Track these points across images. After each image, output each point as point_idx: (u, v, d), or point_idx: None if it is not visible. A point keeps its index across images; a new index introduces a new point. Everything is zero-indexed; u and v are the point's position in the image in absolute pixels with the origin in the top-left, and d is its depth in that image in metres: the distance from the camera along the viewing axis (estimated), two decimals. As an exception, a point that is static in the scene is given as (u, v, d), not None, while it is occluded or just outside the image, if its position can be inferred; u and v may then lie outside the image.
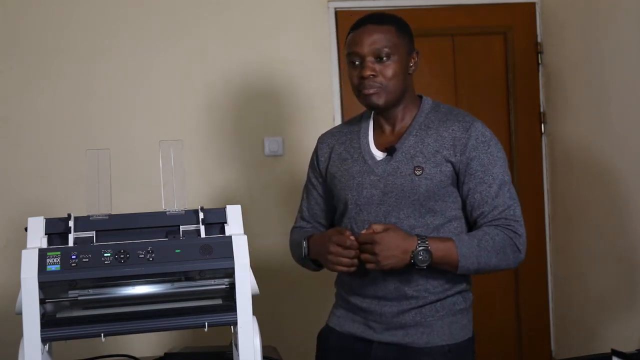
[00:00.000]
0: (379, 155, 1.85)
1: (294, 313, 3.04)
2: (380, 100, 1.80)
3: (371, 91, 1.79)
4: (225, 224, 1.56)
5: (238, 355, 1.47)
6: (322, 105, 3.17)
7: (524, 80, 3.40)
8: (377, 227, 1.69)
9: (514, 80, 3.39)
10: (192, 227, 1.56)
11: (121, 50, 3.10)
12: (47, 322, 1.43)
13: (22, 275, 1.39)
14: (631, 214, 2.75)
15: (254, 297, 1.47)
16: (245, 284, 1.47)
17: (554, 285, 3.41)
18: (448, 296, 1.82)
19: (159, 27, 3.12)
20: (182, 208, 1.58)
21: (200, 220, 1.56)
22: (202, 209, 1.57)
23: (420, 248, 1.66)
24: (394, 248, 1.66)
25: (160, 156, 1.60)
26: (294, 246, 1.99)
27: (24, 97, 3.04)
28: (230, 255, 1.47)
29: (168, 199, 1.59)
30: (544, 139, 3.42)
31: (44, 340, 1.41)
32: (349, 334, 1.89)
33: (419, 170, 1.77)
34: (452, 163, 1.78)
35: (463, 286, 1.85)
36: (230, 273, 1.48)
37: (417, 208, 1.78)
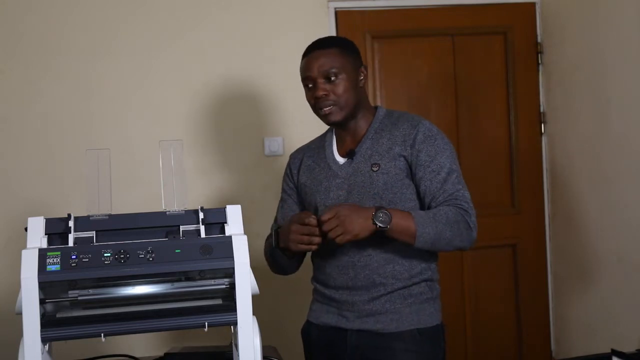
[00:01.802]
0: (341, 160, 2.02)
1: (294, 313, 3.04)
2: (337, 116, 1.98)
3: (327, 110, 1.97)
4: (225, 224, 1.56)
5: (238, 355, 1.47)
6: (322, 105, 3.17)
7: (524, 80, 3.40)
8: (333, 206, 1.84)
9: (514, 80, 3.39)
10: (192, 227, 1.56)
11: (121, 50, 3.10)
12: (47, 322, 1.43)
13: (22, 275, 1.39)
14: (631, 213, 2.76)
15: (254, 297, 1.47)
16: (245, 284, 1.47)
17: (554, 285, 3.41)
18: (414, 283, 1.95)
19: (158, 27, 3.12)
20: (182, 208, 1.58)
21: (200, 220, 1.56)
22: (202, 209, 1.57)
23: (379, 211, 1.80)
24: (354, 215, 1.79)
25: (160, 156, 1.60)
26: (267, 249, 2.08)
27: (24, 97, 3.04)
28: (230, 255, 1.47)
29: (168, 199, 1.59)
30: (544, 139, 3.42)
31: (44, 340, 1.41)
32: (325, 325, 2.02)
33: (376, 167, 1.94)
34: (404, 157, 1.94)
35: (428, 274, 1.98)
36: (230, 273, 1.48)
37: (378, 201, 1.93)
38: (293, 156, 2.18)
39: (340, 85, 1.95)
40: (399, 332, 1.91)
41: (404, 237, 1.83)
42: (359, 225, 1.78)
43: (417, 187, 1.95)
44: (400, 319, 1.92)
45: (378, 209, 1.80)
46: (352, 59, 2.00)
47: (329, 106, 1.96)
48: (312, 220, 1.83)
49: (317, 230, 1.83)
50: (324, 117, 2.00)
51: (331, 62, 1.95)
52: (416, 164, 1.93)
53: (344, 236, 1.78)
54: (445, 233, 1.84)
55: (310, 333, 2.06)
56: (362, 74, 2.01)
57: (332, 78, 1.95)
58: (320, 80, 1.96)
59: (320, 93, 1.95)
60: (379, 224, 1.78)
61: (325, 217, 1.80)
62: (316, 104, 1.98)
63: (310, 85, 1.99)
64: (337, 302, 1.98)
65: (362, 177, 1.95)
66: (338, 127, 2.04)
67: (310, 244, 1.85)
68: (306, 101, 2.01)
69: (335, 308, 1.99)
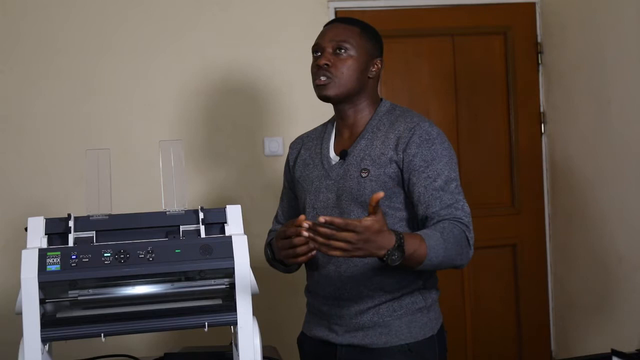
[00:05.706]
0: (334, 159, 1.89)
1: (294, 313, 3.04)
2: (329, 91, 1.83)
3: (322, 81, 1.83)
4: (225, 224, 1.56)
5: (238, 355, 1.47)
6: (322, 105, 3.15)
7: (524, 80, 3.40)
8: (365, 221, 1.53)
9: (514, 80, 3.39)
10: (192, 227, 1.56)
11: (121, 50, 3.09)
12: (47, 322, 1.43)
13: (22, 275, 1.39)
14: (631, 213, 2.76)
15: (254, 297, 1.47)
16: (245, 284, 1.47)
17: (554, 285, 3.41)
18: (404, 294, 1.81)
19: (158, 27, 3.12)
20: (182, 208, 1.58)
21: (200, 220, 1.56)
22: (202, 209, 1.57)
23: (396, 247, 1.55)
24: (372, 241, 1.52)
25: (160, 156, 1.60)
26: (266, 257, 1.99)
27: (24, 97, 3.04)
28: (230, 255, 1.47)
29: (168, 199, 1.59)
30: (544, 139, 3.42)
31: (44, 340, 1.41)
32: (316, 338, 1.92)
33: (365, 173, 1.80)
34: (395, 162, 1.79)
35: (420, 283, 1.83)
36: (230, 273, 1.48)
37: (367, 209, 1.67)
38: (292, 146, 2.06)
39: (345, 62, 1.82)
40: (388, 347, 1.79)
41: (410, 263, 1.62)
42: (368, 252, 1.53)
43: (409, 193, 1.78)
44: (390, 333, 1.79)
45: (397, 239, 1.55)
46: (369, 45, 1.87)
47: (325, 77, 1.82)
48: (292, 230, 1.68)
49: (302, 241, 1.66)
50: (316, 89, 1.86)
51: (345, 36, 1.83)
52: (409, 169, 1.77)
53: (343, 254, 1.51)
54: (452, 253, 1.67)
55: (304, 345, 1.99)
56: (375, 66, 1.87)
57: (341, 52, 1.82)
58: (328, 50, 1.83)
59: (323, 61, 1.82)
60: (389, 264, 1.55)
61: (344, 225, 1.49)
62: (315, 73, 1.85)
63: (318, 54, 1.86)
64: (325, 315, 1.88)
65: (351, 183, 1.81)
66: (336, 111, 1.91)
67: (296, 256, 1.71)
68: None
69: (325, 321, 1.89)
